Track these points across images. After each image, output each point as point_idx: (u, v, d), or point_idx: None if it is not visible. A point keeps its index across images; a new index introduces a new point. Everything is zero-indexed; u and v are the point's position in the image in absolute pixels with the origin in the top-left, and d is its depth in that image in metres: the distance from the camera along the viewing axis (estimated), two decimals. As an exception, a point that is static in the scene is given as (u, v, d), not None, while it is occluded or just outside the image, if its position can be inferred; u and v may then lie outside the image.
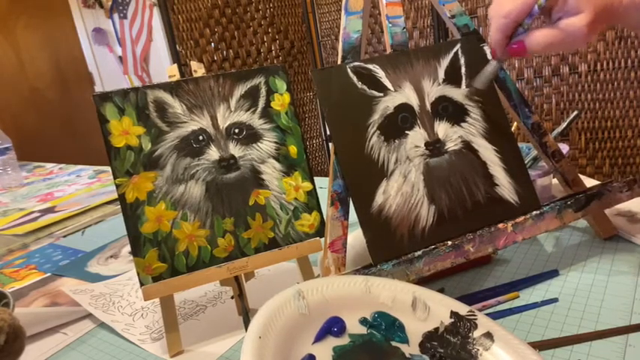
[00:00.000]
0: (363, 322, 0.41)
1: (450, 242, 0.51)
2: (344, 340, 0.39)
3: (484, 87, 0.52)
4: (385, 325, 0.41)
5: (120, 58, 2.70)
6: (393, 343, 0.40)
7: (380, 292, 0.43)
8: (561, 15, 0.45)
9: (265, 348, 0.34)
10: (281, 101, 0.58)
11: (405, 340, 0.40)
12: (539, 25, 0.46)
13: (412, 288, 0.44)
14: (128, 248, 0.85)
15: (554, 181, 0.73)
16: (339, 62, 0.55)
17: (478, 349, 0.40)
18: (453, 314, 0.42)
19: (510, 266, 0.59)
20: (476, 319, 0.42)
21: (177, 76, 0.57)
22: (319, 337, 0.38)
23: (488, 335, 0.41)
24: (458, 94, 0.57)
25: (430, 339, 0.41)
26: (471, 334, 0.41)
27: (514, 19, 0.46)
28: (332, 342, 0.38)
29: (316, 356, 0.36)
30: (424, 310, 0.43)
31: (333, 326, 0.39)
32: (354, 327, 0.40)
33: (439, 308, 0.43)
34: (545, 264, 0.59)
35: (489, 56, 0.59)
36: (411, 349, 0.40)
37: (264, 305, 0.38)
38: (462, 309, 0.43)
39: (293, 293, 0.40)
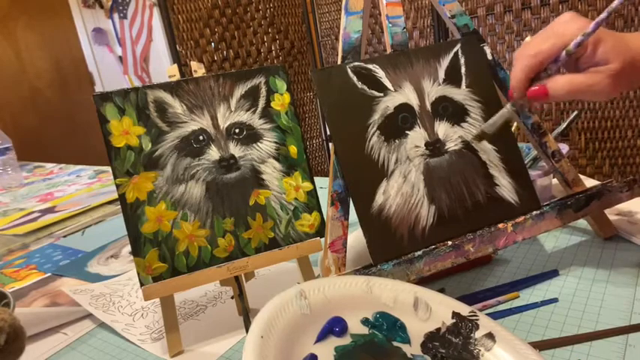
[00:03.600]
0: (365, 322, 0.41)
1: (450, 242, 0.51)
2: (346, 340, 0.39)
3: (493, 131, 0.51)
4: (387, 326, 0.41)
5: (120, 58, 2.69)
6: (395, 344, 0.40)
7: (381, 292, 0.43)
8: (589, 65, 0.45)
9: (267, 347, 0.34)
10: (281, 101, 0.58)
11: (406, 341, 0.40)
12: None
13: (414, 288, 0.44)
14: (128, 248, 0.85)
15: (554, 181, 0.73)
16: (339, 62, 0.55)
17: (480, 350, 0.40)
18: (455, 315, 0.42)
19: (510, 266, 0.59)
20: (477, 319, 0.42)
21: (178, 76, 0.57)
22: (321, 337, 0.38)
23: (490, 336, 0.41)
24: (458, 94, 0.57)
25: (432, 339, 0.41)
26: (472, 335, 0.41)
27: (541, 60, 0.46)
28: (334, 342, 0.38)
29: (318, 356, 0.36)
30: (426, 310, 0.43)
31: (335, 326, 0.39)
32: (356, 327, 0.40)
33: (441, 309, 0.43)
34: (545, 264, 0.59)
35: (489, 56, 0.60)
36: (413, 349, 0.40)
37: (266, 305, 0.38)
38: (464, 309, 0.43)
39: (295, 293, 0.40)
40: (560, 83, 0.45)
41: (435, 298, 0.44)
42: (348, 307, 0.41)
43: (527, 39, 0.47)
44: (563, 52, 0.45)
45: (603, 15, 0.43)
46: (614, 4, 0.42)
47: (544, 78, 0.46)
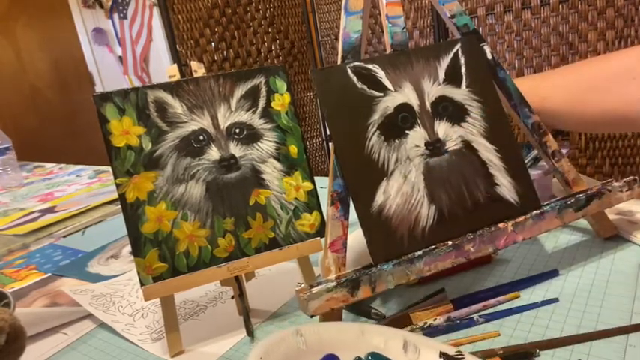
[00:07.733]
0: None
1: (450, 242, 0.51)
2: None
3: None
4: None
5: (120, 58, 2.70)
6: None
7: (372, 336, 0.45)
8: None
9: None
10: (281, 101, 0.58)
11: None
12: None
13: (403, 333, 0.46)
14: (128, 248, 0.85)
15: (554, 181, 0.73)
16: (339, 62, 0.55)
17: None
18: (442, 354, 0.44)
19: (510, 266, 0.59)
20: (463, 358, 0.43)
21: (178, 76, 0.57)
22: None
23: None
24: (458, 93, 0.57)
25: None
26: None
27: None
28: None
29: None
30: (415, 351, 0.45)
31: None
32: None
33: (428, 350, 0.45)
34: (545, 264, 0.59)
35: (489, 56, 0.60)
36: None
37: (264, 339, 0.40)
38: (450, 350, 0.44)
39: (292, 331, 0.42)
40: None
41: (422, 341, 0.46)
42: (341, 346, 0.43)
43: None
44: None
45: None
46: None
47: None
